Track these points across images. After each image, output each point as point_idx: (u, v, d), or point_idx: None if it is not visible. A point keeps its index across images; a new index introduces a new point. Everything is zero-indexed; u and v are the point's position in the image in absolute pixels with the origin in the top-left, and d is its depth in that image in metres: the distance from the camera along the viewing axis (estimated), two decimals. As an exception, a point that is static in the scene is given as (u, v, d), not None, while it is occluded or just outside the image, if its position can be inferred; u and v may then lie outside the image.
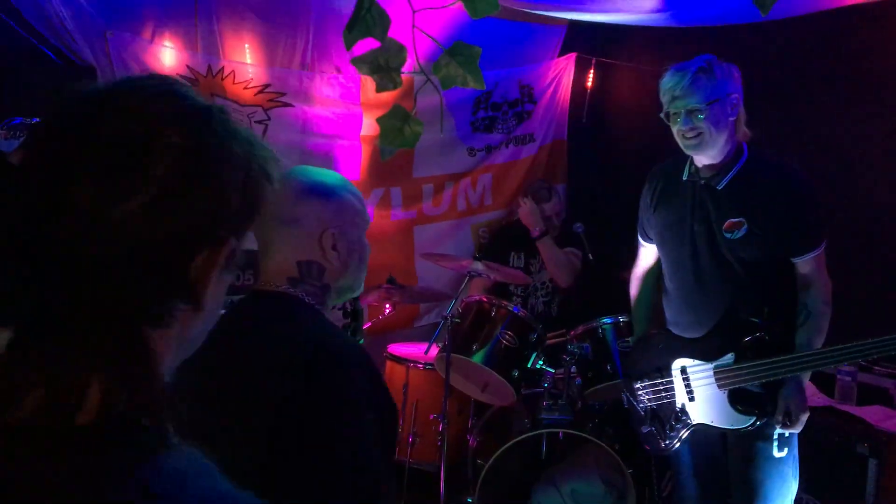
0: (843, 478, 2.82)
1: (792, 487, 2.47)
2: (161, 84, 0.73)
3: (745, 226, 2.36)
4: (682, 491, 2.72)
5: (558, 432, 3.23)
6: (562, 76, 4.82)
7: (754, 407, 2.40)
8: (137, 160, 0.66)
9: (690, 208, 2.47)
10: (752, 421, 2.39)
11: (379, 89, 1.33)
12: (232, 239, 0.73)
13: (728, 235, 2.38)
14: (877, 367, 3.12)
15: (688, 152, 2.44)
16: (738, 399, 2.41)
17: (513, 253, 4.16)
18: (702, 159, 2.44)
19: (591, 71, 4.76)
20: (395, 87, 1.31)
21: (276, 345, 1.37)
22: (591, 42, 4.73)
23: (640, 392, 2.62)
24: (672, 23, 3.56)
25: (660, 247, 2.65)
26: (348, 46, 1.23)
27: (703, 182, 2.44)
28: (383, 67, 1.26)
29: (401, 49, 1.29)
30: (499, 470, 3.27)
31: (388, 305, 3.71)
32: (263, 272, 1.49)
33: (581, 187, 4.93)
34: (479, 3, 1.27)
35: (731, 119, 2.36)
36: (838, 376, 3.11)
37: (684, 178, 2.50)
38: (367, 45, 1.35)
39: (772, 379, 2.36)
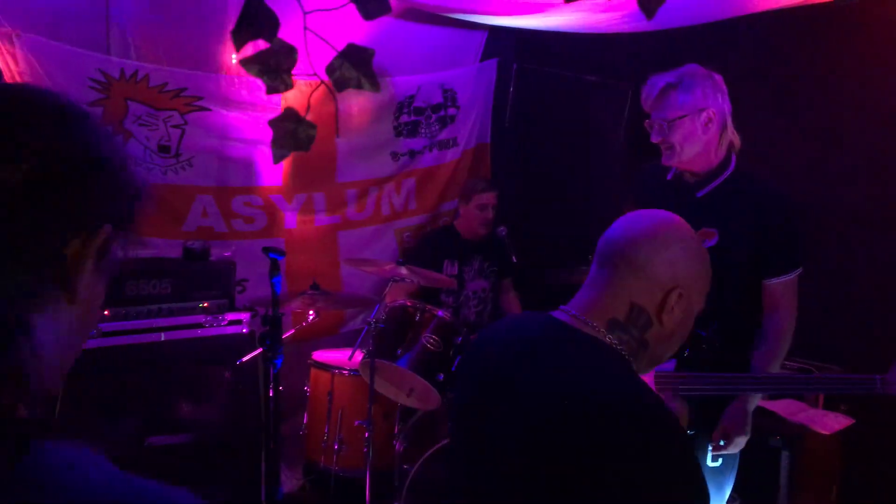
0: (758, 470, 2.91)
1: (725, 494, 2.51)
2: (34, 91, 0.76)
3: (717, 237, 2.36)
4: None
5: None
6: (484, 81, 4.86)
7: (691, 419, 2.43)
8: (10, 143, 0.68)
9: (668, 209, 2.48)
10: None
11: (269, 91, 1.32)
12: (107, 227, 0.74)
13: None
14: (787, 363, 3.23)
15: (663, 162, 2.45)
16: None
17: (447, 261, 4.16)
18: (684, 165, 2.44)
19: (513, 75, 4.81)
20: (285, 89, 1.30)
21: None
22: (512, 47, 4.78)
23: None
24: (590, 29, 3.64)
25: None
26: (237, 47, 1.21)
27: (684, 187, 2.45)
28: (273, 69, 1.25)
29: (291, 50, 1.27)
30: (425, 475, 3.26)
31: (311, 312, 3.66)
32: (583, 301, 1.39)
33: (504, 191, 4.97)
34: (371, 5, 1.27)
35: (706, 133, 2.34)
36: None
37: (668, 178, 2.52)
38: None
39: (705, 394, 2.38)
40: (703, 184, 2.41)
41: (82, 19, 3.54)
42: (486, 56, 4.84)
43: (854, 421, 3.05)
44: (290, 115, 1.39)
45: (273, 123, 1.40)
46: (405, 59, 4.50)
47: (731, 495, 2.73)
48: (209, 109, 3.89)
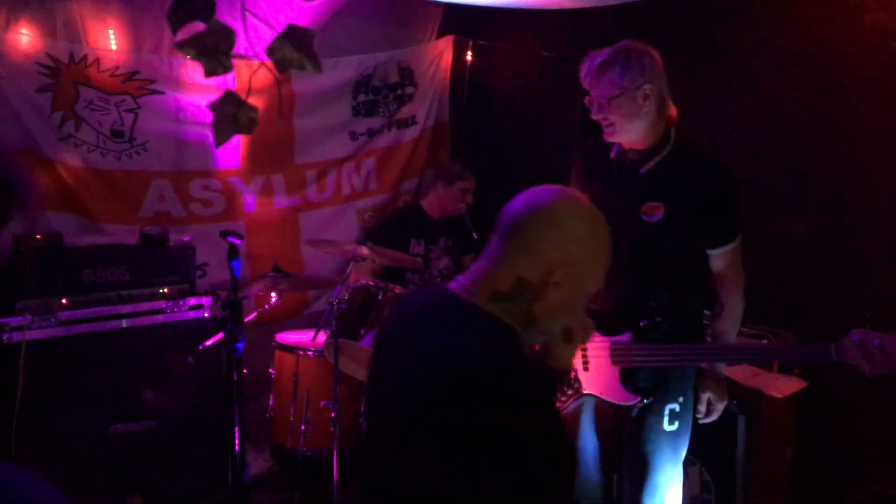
0: (716, 435, 2.98)
1: (681, 456, 2.58)
2: None
3: (663, 211, 2.39)
4: (579, 453, 2.79)
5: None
6: (441, 58, 4.85)
7: (642, 388, 2.47)
8: None
9: (613, 187, 2.49)
10: (637, 400, 2.47)
11: (207, 74, 1.31)
12: None
13: (645, 218, 2.41)
14: (743, 329, 3.30)
15: (605, 139, 2.46)
16: (628, 378, 2.47)
17: (413, 240, 4.17)
18: (626, 142, 2.46)
19: (470, 52, 4.80)
20: (224, 71, 1.29)
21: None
22: (468, 24, 4.78)
23: None
24: (545, 5, 3.65)
25: None
26: (173, 30, 1.20)
27: (628, 163, 2.47)
28: (211, 51, 1.24)
29: (228, 31, 1.26)
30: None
31: (274, 294, 3.66)
32: (475, 272, 1.46)
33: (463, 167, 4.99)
34: None
35: (644, 109, 2.35)
36: (707, 339, 3.28)
37: (612, 156, 2.52)
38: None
39: (662, 365, 2.45)
40: (645, 160, 2.44)
41: (30, 3, 3.46)
42: (442, 33, 4.83)
43: (807, 384, 3.14)
44: (230, 98, 1.38)
45: (213, 107, 1.39)
46: (361, 38, 4.48)
47: (689, 459, 2.80)
48: (162, 93, 3.83)
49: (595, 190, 2.59)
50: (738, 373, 3.14)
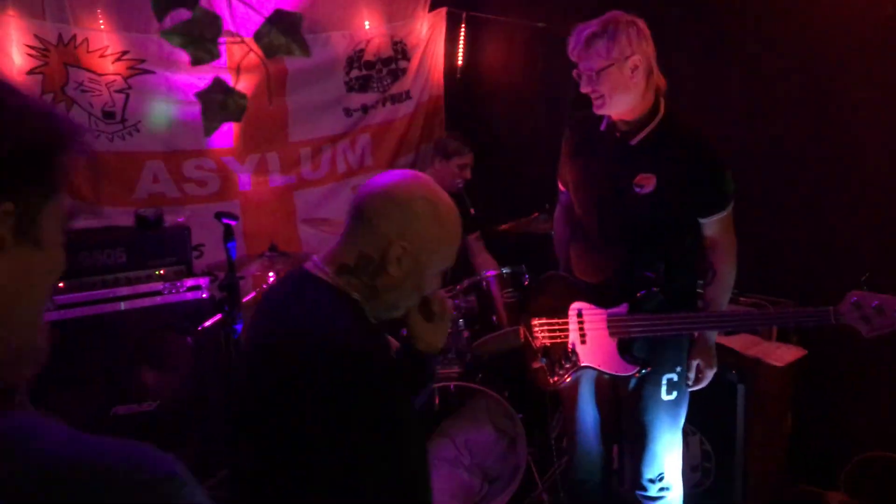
0: (716, 404, 3.00)
1: (680, 424, 2.60)
2: None
3: (655, 182, 2.39)
4: (578, 425, 2.81)
5: (449, 385, 3.29)
6: (434, 31, 4.80)
7: (639, 358, 2.50)
8: None
9: (605, 160, 2.50)
10: (634, 370, 2.49)
11: (194, 62, 1.29)
12: (4, 204, 0.72)
13: (637, 190, 2.41)
14: (742, 298, 3.31)
15: (595, 111, 2.45)
16: (625, 349, 2.49)
17: None
18: (615, 114, 2.45)
19: (463, 25, 4.75)
20: (211, 59, 1.28)
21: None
22: (460, -5, 4.72)
23: (536, 329, 2.67)
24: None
25: (573, 194, 2.67)
26: (159, 18, 1.18)
27: (618, 135, 2.46)
28: (197, 39, 1.22)
29: (215, 19, 1.24)
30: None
31: (271, 274, 3.65)
32: (328, 249, 1.56)
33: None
34: None
35: (633, 81, 2.34)
36: (700, 307, 3.28)
37: (602, 129, 2.51)
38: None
39: (659, 335, 2.46)
40: (635, 131, 2.43)
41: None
42: (434, 5, 4.77)
43: (806, 352, 3.15)
44: (218, 86, 1.36)
45: (201, 96, 1.37)
46: (353, 13, 4.43)
47: (689, 428, 2.82)
48: (153, 72, 3.79)
49: (586, 164, 2.59)
50: (738, 342, 3.15)
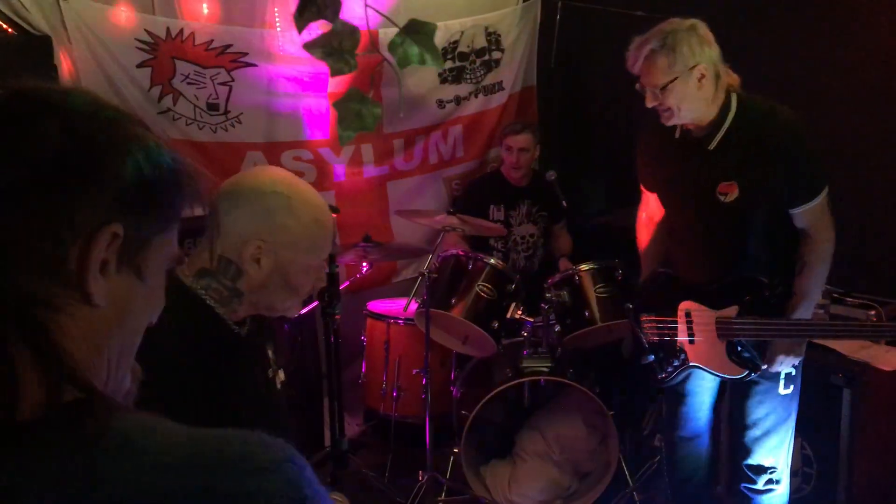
0: (819, 409, 2.89)
1: (794, 419, 2.58)
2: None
3: (737, 189, 2.34)
4: (674, 430, 2.78)
5: (540, 379, 3.28)
6: (528, 21, 4.76)
7: (748, 361, 2.44)
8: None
9: (684, 168, 2.46)
10: (744, 374, 2.44)
11: (333, 73, 1.31)
12: (114, 226, 0.71)
13: (722, 198, 2.37)
14: (849, 299, 3.17)
15: (664, 123, 2.40)
16: (734, 351, 2.44)
17: (492, 206, 4.12)
18: (687, 123, 2.40)
19: (558, 14, 4.69)
20: (350, 70, 1.29)
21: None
22: (556, -16, 4.66)
23: (645, 324, 2.65)
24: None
25: (662, 200, 2.65)
26: (300, 29, 1.20)
27: (693, 142, 2.40)
28: (337, 50, 1.23)
29: (353, 31, 1.26)
30: (483, 419, 3.32)
31: (365, 264, 3.71)
32: (193, 253, 1.51)
33: (552, 133, 4.90)
34: None
35: (701, 89, 2.29)
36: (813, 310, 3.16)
37: (676, 137, 2.47)
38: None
39: (767, 339, 2.40)
40: (711, 135, 2.35)
41: (126, -19, 3.56)
42: (530, -5, 4.73)
43: (918, 357, 2.99)
44: (354, 95, 1.38)
45: (338, 105, 1.39)
46: (448, 4, 4.43)
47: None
48: (255, 65, 3.89)
49: (667, 170, 2.54)
50: (844, 344, 3.02)
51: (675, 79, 2.26)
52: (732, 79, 2.38)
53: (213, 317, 1.48)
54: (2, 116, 0.70)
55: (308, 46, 1.27)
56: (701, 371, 2.54)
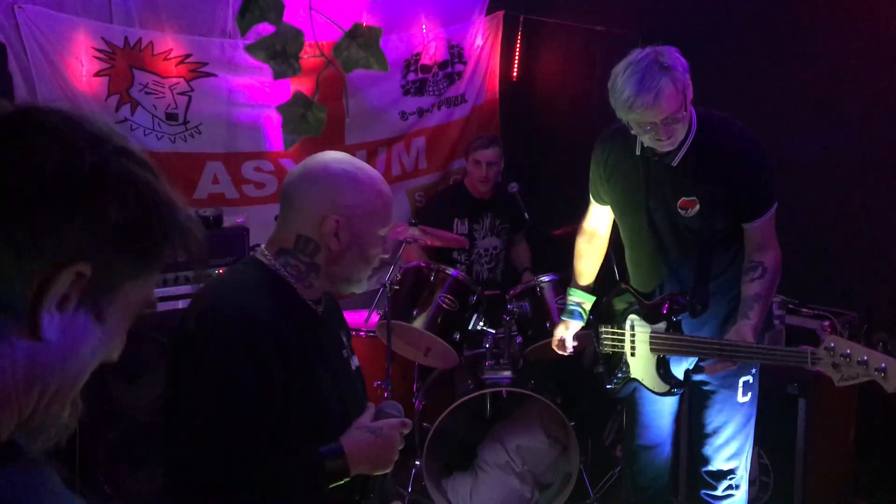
0: (776, 419, 2.93)
1: (752, 426, 2.61)
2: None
3: (698, 205, 2.37)
4: (634, 440, 2.79)
5: (501, 391, 3.28)
6: (491, 35, 4.79)
7: (673, 378, 2.48)
8: None
9: (645, 184, 2.47)
10: (666, 389, 2.47)
11: (276, 76, 1.30)
12: (81, 265, 0.67)
13: (682, 212, 2.40)
14: (804, 310, 3.23)
15: (660, 151, 2.37)
16: (662, 364, 2.49)
17: (456, 219, 4.13)
18: None
19: (520, 29, 4.73)
20: (293, 73, 1.29)
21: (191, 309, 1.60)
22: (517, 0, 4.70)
23: (603, 336, 2.68)
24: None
25: (616, 214, 2.66)
26: (242, 32, 1.20)
27: (656, 158, 2.40)
28: (280, 53, 1.23)
29: (297, 34, 1.25)
30: (445, 431, 3.31)
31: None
32: (269, 237, 1.64)
33: (513, 146, 4.93)
34: None
35: (686, 113, 2.29)
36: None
37: (637, 153, 2.46)
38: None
39: (688, 355, 2.46)
40: (674, 152, 2.36)
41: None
42: (491, 9, 4.77)
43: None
44: (298, 99, 1.38)
45: (282, 109, 1.39)
46: (410, 17, 4.44)
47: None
48: (215, 75, 3.86)
49: (625, 188, 2.55)
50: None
51: (684, 99, 2.24)
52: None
53: (296, 295, 1.60)
54: (2, 130, 0.67)
55: (250, 49, 1.26)
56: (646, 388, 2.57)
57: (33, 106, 0.70)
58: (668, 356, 2.48)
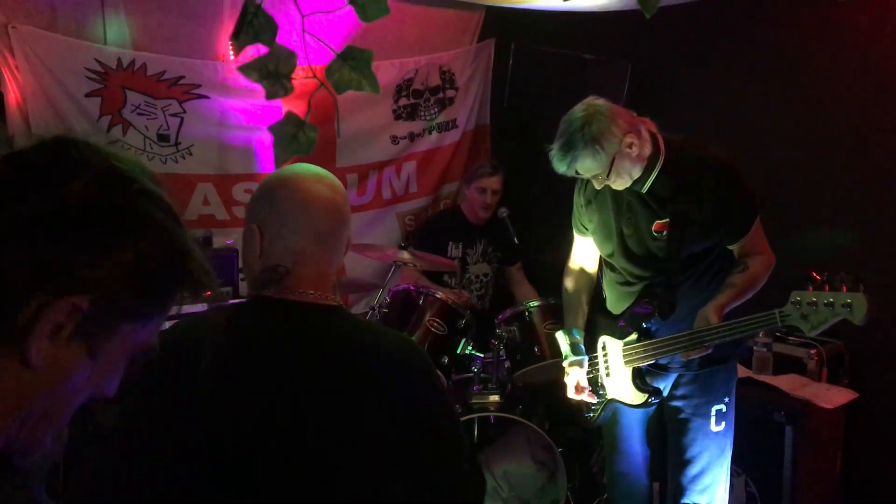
0: (763, 445, 2.94)
1: (728, 455, 2.57)
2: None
3: (670, 227, 2.37)
4: (612, 466, 2.78)
5: (489, 416, 3.27)
6: (482, 61, 4.84)
7: (649, 387, 2.50)
8: None
9: (617, 211, 2.49)
10: (644, 399, 2.47)
11: (269, 96, 1.31)
12: (78, 298, 0.67)
13: (657, 235, 2.40)
14: (791, 338, 3.24)
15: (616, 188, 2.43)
16: (638, 375, 2.50)
17: (451, 242, 4.12)
18: None
19: (511, 54, 4.76)
20: (286, 94, 1.29)
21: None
22: (509, 27, 4.75)
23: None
24: (587, 7, 3.61)
25: (596, 242, 2.68)
26: (236, 52, 1.21)
27: (627, 188, 2.43)
28: (273, 74, 1.24)
29: (290, 55, 1.26)
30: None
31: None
32: (299, 279, 1.49)
33: (504, 171, 4.96)
34: (368, 7, 1.26)
35: (635, 153, 2.30)
36: (755, 348, 3.23)
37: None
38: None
39: (662, 356, 2.44)
40: (641, 180, 2.38)
41: (78, 9, 3.52)
42: (483, 36, 4.82)
43: (857, 395, 3.07)
44: (290, 119, 1.38)
45: (274, 129, 1.39)
46: (402, 42, 4.48)
47: (735, 469, 2.76)
48: (207, 97, 3.87)
49: (600, 214, 2.57)
50: (786, 383, 3.08)
51: (613, 160, 2.28)
52: (648, 123, 2.42)
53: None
54: (37, 154, 0.68)
55: (243, 69, 1.27)
56: (643, 409, 2.56)
57: (69, 137, 0.70)
58: (643, 366, 2.49)
